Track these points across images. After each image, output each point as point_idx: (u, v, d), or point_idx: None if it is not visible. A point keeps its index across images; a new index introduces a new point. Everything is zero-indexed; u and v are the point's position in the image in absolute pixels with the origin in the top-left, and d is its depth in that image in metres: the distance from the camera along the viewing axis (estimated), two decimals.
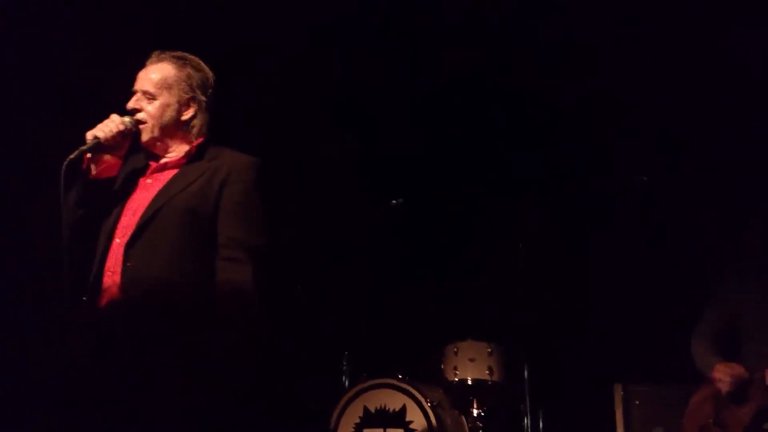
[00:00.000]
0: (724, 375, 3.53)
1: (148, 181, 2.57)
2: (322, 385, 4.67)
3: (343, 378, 4.69)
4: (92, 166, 2.50)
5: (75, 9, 3.98)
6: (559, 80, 4.55)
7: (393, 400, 4.26)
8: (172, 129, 2.60)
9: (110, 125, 2.48)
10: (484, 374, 4.35)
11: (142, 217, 2.44)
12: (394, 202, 4.47)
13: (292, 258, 4.56)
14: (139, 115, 2.56)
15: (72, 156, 2.41)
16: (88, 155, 2.47)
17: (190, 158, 2.60)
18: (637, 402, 4.23)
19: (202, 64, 2.70)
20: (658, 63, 4.34)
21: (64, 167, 2.39)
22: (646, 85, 4.44)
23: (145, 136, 2.57)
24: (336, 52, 4.58)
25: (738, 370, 3.51)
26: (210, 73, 2.69)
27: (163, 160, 2.62)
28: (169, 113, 2.58)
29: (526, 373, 4.26)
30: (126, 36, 4.02)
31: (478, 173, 5.06)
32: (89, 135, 2.46)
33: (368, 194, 4.86)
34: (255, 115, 4.53)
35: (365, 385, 4.34)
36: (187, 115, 2.62)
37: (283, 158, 4.41)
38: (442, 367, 4.48)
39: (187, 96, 2.61)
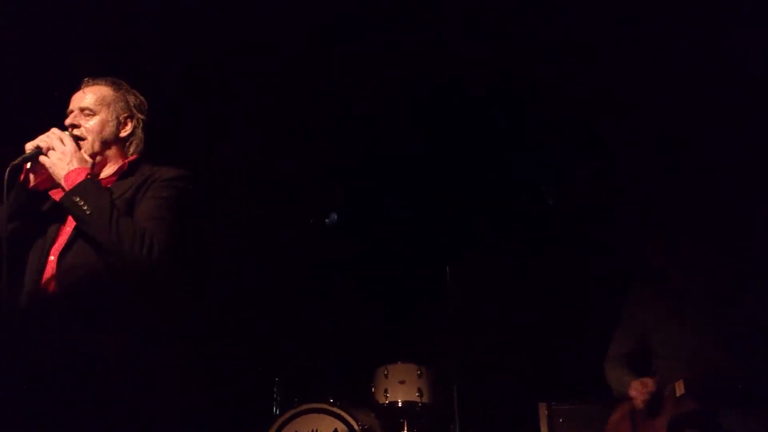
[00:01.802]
0: (638, 393, 3.65)
1: None
2: (253, 413, 4.66)
3: (274, 406, 4.70)
4: (31, 176, 2.52)
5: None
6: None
7: (325, 425, 4.30)
8: (111, 145, 2.68)
9: (51, 137, 2.51)
10: (414, 396, 4.43)
11: (72, 233, 2.48)
12: (327, 220, 4.54)
13: (224, 283, 4.57)
14: (78, 131, 2.61)
15: (14, 162, 2.44)
16: (28, 165, 2.50)
17: (121, 174, 2.65)
18: (560, 420, 4.34)
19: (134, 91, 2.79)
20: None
21: (7, 172, 2.42)
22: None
23: (85, 152, 2.60)
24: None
25: (651, 385, 3.63)
26: (143, 98, 2.79)
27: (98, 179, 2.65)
28: (109, 129, 2.66)
29: (455, 393, 4.36)
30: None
31: (409, 193, 5.14)
32: (30, 145, 2.49)
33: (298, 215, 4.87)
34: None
35: (297, 410, 4.37)
36: (125, 132, 2.70)
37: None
38: (373, 390, 4.54)
39: (125, 114, 2.71)
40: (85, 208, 2.37)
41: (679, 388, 3.52)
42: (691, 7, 4.08)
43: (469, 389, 4.38)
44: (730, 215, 3.92)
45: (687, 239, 3.79)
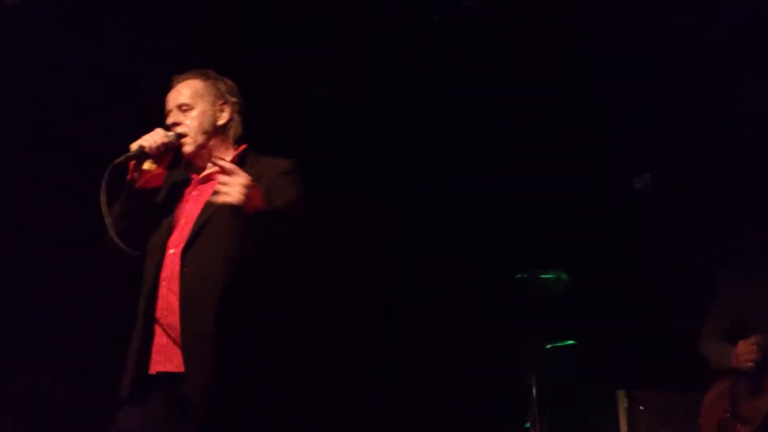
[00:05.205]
0: (746, 351, 3.59)
1: (194, 193, 2.63)
2: None
3: None
4: (137, 175, 2.54)
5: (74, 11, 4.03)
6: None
7: None
8: (213, 135, 2.67)
9: (155, 137, 2.53)
10: None
11: (194, 225, 2.49)
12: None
13: None
14: (180, 129, 2.62)
15: (117, 160, 2.46)
16: (133, 163, 2.52)
17: None
18: (641, 408, 4.28)
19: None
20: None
21: (108, 171, 2.42)
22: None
23: (189, 148, 2.63)
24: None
25: (760, 339, 3.55)
26: (232, 82, 2.79)
27: (205, 172, 2.67)
28: (208, 119, 2.66)
29: (533, 378, 4.26)
30: (124, 36, 4.09)
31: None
32: (134, 145, 2.51)
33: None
34: None
35: None
36: (223, 119, 2.70)
37: None
38: None
39: (219, 101, 2.70)
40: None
41: None
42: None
43: (546, 377, 4.31)
44: None
45: None
